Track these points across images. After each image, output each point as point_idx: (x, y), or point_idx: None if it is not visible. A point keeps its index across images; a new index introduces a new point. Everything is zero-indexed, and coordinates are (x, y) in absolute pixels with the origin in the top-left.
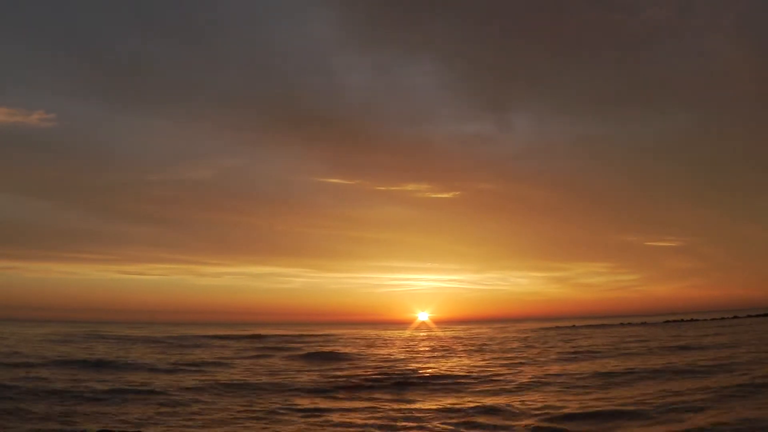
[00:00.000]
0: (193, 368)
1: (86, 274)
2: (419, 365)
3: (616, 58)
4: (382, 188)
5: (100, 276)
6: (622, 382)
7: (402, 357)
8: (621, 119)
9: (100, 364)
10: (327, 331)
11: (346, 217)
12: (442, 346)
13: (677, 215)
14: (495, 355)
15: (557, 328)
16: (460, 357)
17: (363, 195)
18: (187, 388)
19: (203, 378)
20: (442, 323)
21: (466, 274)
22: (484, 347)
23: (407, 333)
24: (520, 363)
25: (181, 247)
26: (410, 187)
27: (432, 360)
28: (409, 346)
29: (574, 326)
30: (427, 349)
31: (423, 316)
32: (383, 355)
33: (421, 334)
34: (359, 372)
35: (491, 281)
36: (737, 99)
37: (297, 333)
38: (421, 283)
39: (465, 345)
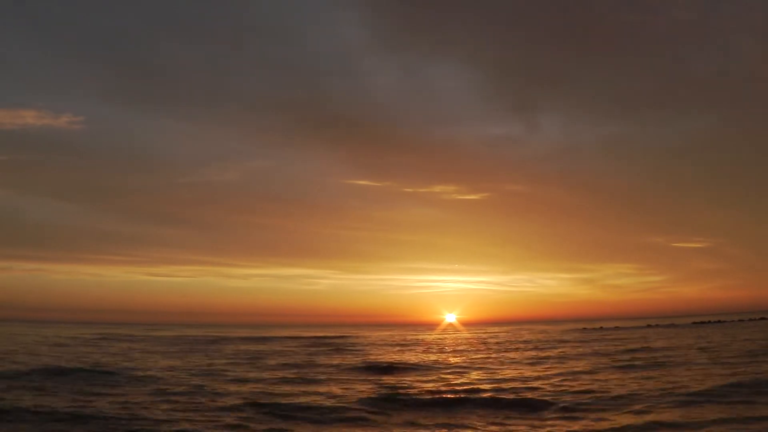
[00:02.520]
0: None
1: (113, 276)
2: (510, 376)
3: (642, 59)
4: (410, 190)
5: (127, 278)
6: None
7: (473, 365)
8: (647, 120)
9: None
10: (359, 333)
11: (374, 219)
12: (500, 350)
13: (704, 216)
14: (570, 360)
15: (585, 329)
16: (541, 363)
17: (390, 197)
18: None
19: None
20: (469, 325)
21: (493, 276)
22: (547, 351)
23: (446, 336)
24: (608, 368)
25: (209, 249)
26: (437, 188)
27: (518, 369)
28: (463, 352)
29: (601, 328)
30: (491, 354)
31: (450, 317)
32: (453, 363)
33: (463, 336)
34: (453, 387)
35: (519, 283)
36: (763, 99)
37: (331, 335)
38: (449, 285)
39: (528, 349)
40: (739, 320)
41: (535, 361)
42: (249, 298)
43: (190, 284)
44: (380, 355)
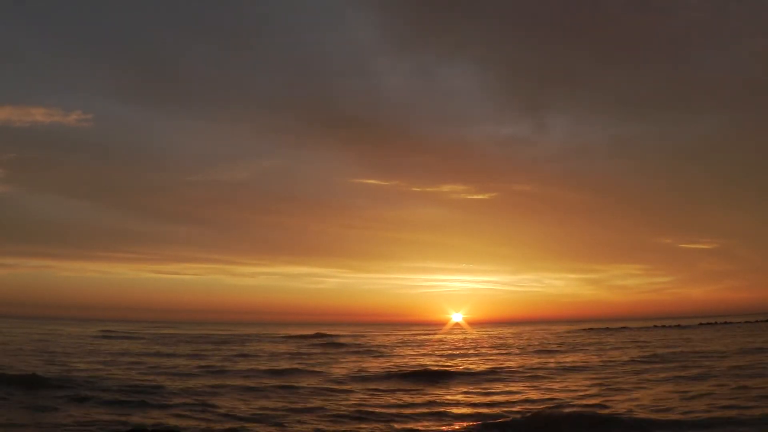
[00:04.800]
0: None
1: (121, 274)
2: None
3: (652, 60)
4: (418, 189)
5: (135, 275)
6: None
7: (537, 374)
8: (656, 121)
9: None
10: (370, 332)
11: (382, 218)
12: (536, 352)
13: (712, 217)
14: (650, 364)
15: (591, 329)
16: (616, 368)
17: (399, 196)
18: None
19: None
20: (476, 324)
21: (501, 276)
22: (598, 353)
23: (462, 336)
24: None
25: (217, 247)
26: (446, 188)
27: (590, 377)
28: (500, 354)
29: (607, 328)
30: (534, 358)
31: (457, 317)
32: (515, 368)
33: (478, 336)
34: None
35: (526, 283)
36: None
37: (341, 333)
38: (456, 284)
39: (564, 351)
40: (746, 322)
41: (597, 366)
42: (256, 296)
43: (198, 282)
44: (412, 357)
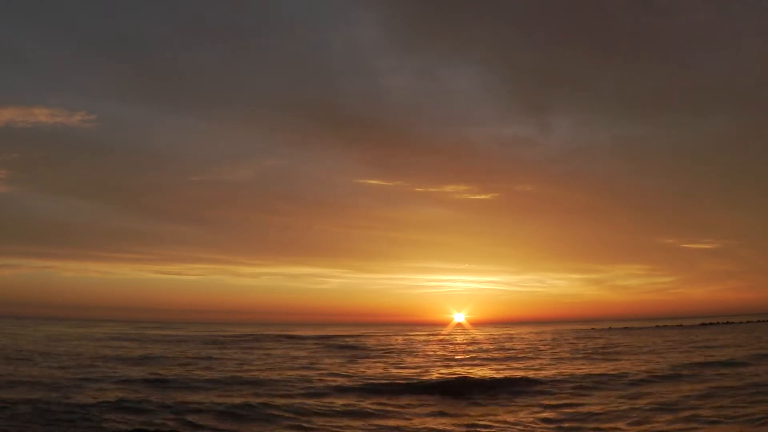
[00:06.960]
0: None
1: (123, 274)
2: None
3: (655, 61)
4: (421, 189)
5: (137, 275)
6: None
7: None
8: (660, 122)
9: None
10: (375, 333)
11: (385, 218)
12: (571, 354)
13: (715, 218)
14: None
15: (593, 330)
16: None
17: (402, 196)
18: None
19: None
20: (478, 325)
21: (503, 276)
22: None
23: (473, 337)
24: None
25: (219, 248)
26: (449, 188)
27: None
28: (533, 358)
29: (610, 328)
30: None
31: (459, 317)
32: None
33: (486, 336)
34: None
35: (528, 283)
36: None
37: (346, 334)
38: (458, 285)
39: (613, 353)
40: (748, 322)
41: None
42: (258, 296)
43: (200, 282)
44: (427, 364)
